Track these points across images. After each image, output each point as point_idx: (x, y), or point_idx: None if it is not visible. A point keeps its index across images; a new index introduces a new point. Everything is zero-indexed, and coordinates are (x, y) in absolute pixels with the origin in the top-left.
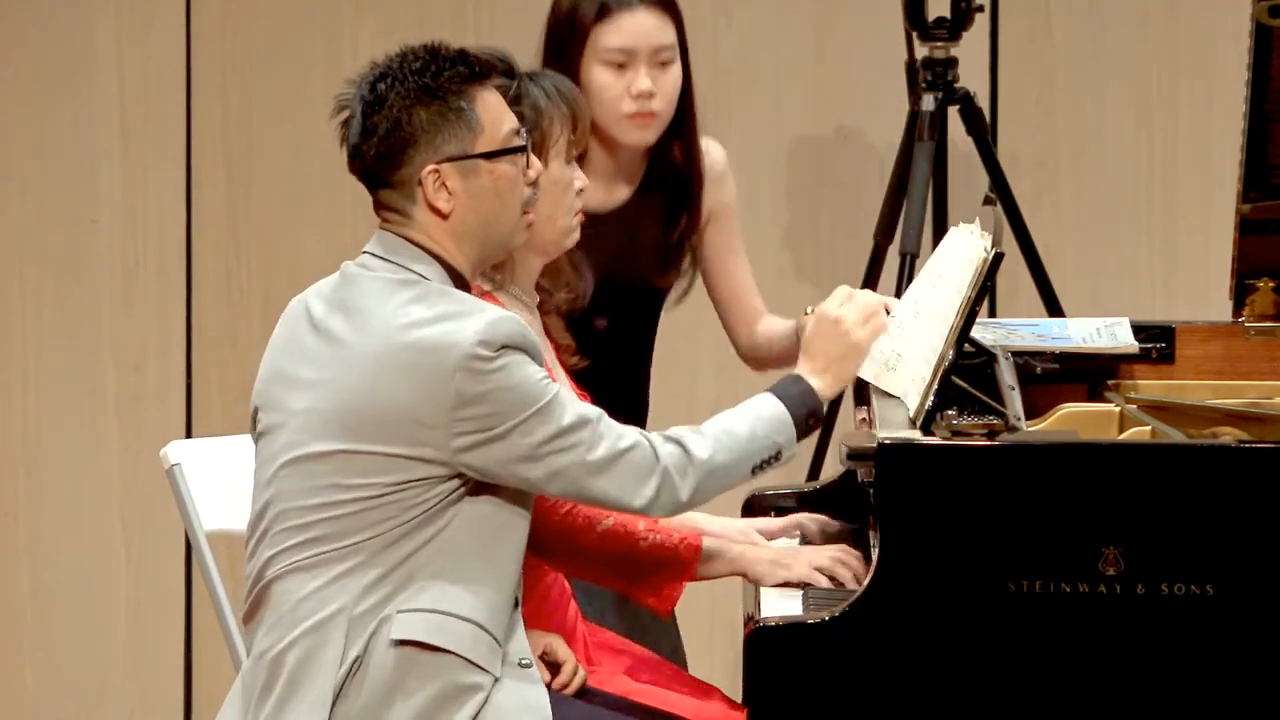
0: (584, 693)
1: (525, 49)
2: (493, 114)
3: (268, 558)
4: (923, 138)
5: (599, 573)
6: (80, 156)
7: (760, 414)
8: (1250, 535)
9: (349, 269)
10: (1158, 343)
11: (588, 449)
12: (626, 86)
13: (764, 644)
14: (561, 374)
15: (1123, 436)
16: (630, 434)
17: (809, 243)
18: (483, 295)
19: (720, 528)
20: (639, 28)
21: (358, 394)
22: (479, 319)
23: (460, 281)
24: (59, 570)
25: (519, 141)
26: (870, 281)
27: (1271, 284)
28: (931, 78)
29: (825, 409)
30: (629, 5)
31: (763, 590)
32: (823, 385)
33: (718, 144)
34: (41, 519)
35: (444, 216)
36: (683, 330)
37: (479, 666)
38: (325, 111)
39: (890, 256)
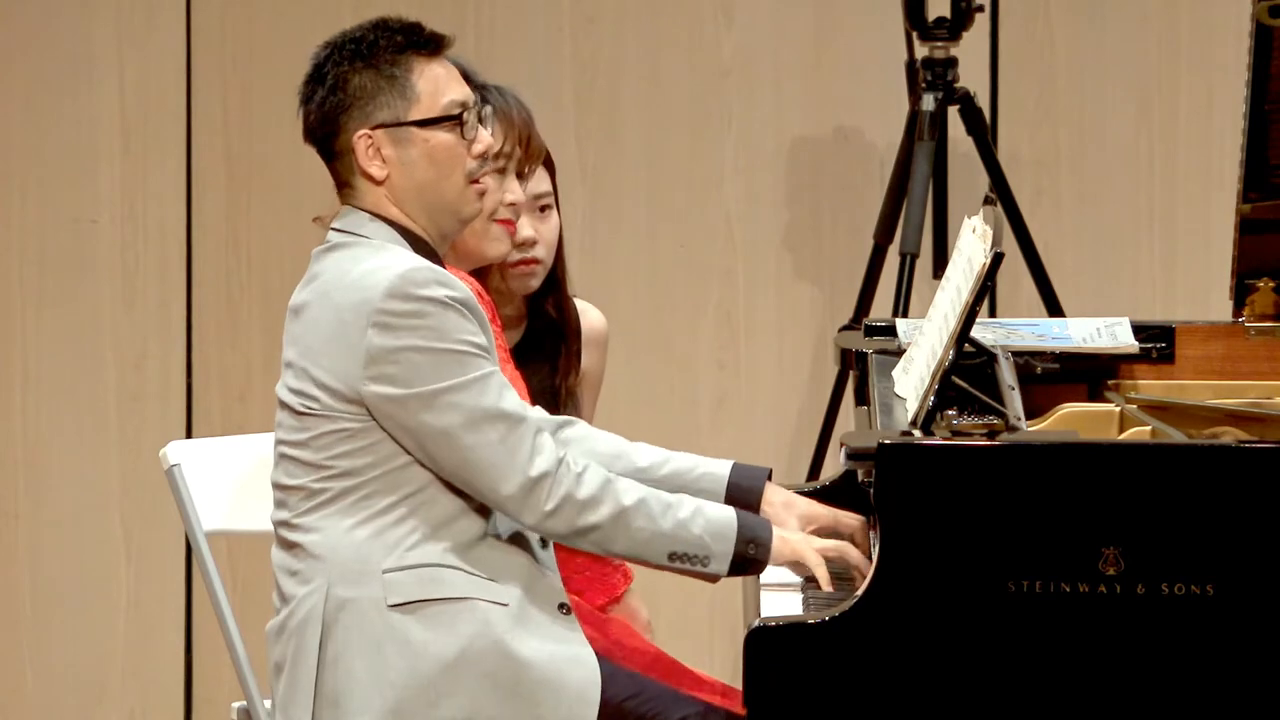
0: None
1: (524, 50)
2: (432, 84)
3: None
4: (923, 138)
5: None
6: (80, 156)
7: (709, 514)
8: (1250, 535)
9: (316, 250)
10: (1158, 343)
11: (481, 396)
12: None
13: (764, 644)
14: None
15: (1123, 436)
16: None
17: (809, 243)
18: None
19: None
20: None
21: (313, 356)
22: (389, 272)
23: (421, 245)
24: (59, 570)
25: (458, 111)
26: (870, 281)
27: (1271, 284)
28: (931, 78)
29: (767, 559)
30: None
31: (763, 590)
32: (780, 543)
33: (599, 313)
34: (41, 519)
35: (378, 183)
36: (683, 329)
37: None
38: None
39: (890, 256)
